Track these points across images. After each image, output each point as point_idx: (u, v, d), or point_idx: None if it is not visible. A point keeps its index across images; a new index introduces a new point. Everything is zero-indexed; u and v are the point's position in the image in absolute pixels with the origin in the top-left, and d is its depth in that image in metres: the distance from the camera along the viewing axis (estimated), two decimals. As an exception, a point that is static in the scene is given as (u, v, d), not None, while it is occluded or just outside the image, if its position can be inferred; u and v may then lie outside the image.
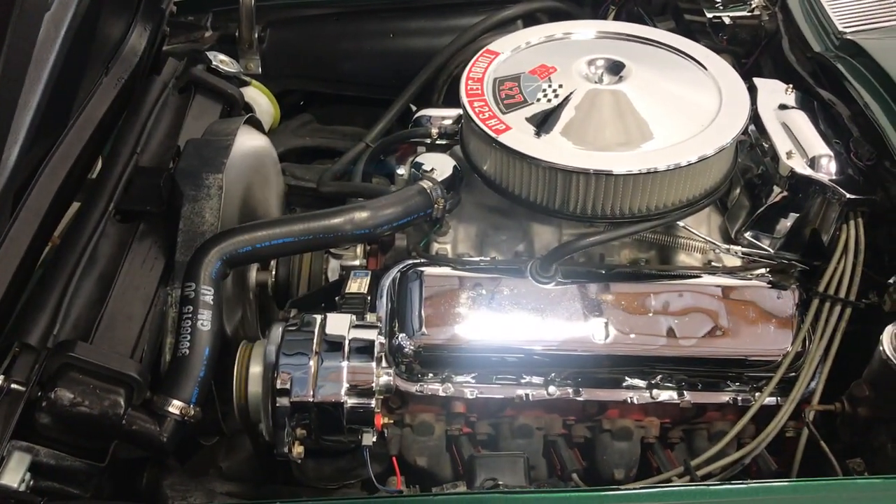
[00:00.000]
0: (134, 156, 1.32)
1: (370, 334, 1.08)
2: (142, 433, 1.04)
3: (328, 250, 1.35)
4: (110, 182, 1.26)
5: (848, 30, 1.41)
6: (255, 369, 1.08)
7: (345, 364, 1.05)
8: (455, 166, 1.31)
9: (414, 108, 1.73)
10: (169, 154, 1.36)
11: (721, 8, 1.68)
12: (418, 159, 1.34)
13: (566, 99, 1.22)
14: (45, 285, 1.08)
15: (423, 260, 1.25)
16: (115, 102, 1.37)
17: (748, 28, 1.66)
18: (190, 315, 1.08)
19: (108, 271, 1.17)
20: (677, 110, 1.22)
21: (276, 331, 1.10)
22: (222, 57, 1.61)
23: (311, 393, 1.04)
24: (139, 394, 1.05)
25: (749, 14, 1.67)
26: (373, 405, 1.05)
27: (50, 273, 1.10)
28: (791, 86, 1.38)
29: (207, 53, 1.60)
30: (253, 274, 1.37)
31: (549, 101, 1.23)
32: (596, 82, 1.26)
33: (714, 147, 1.16)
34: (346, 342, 1.07)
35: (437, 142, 1.46)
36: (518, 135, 1.18)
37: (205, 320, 1.08)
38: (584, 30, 1.38)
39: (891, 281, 1.16)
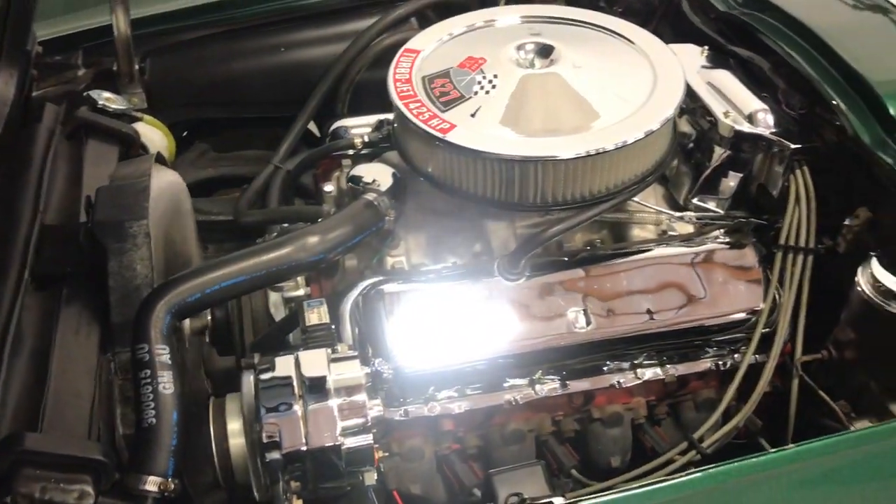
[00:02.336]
0: (37, 214, 1.18)
1: (353, 367, 1.00)
2: None
3: (267, 284, 1.25)
4: (16, 248, 1.12)
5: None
6: (234, 425, 0.98)
7: (333, 403, 0.96)
8: (394, 174, 1.24)
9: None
10: (76, 207, 1.22)
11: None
12: (354, 172, 1.26)
13: (502, 88, 1.18)
14: None
15: (381, 278, 1.18)
16: None
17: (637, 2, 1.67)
18: (149, 380, 0.96)
19: (40, 347, 1.03)
20: (614, 88, 1.20)
21: (248, 379, 1.00)
22: (107, 94, 1.47)
23: (304, 441, 0.95)
24: (107, 477, 0.93)
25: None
26: (371, 441, 0.97)
27: None
28: (706, 48, 1.39)
29: (90, 93, 1.46)
30: (187, 322, 1.25)
31: (488, 92, 1.18)
32: (528, 67, 1.22)
33: (658, 120, 1.14)
34: (330, 380, 0.98)
35: (362, 152, 1.39)
36: (465, 131, 1.12)
37: (166, 383, 0.97)
38: (506, 16, 1.33)
39: (846, 222, 1.18)
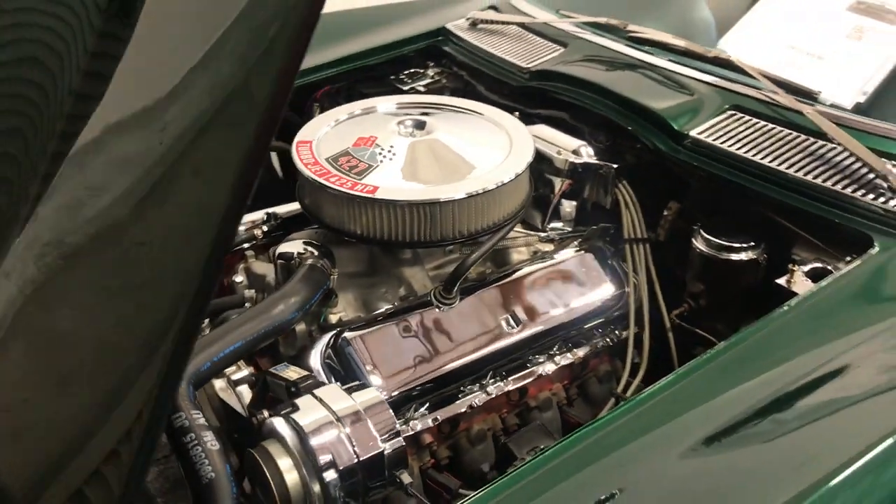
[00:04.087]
0: None
1: (368, 390, 1.16)
2: None
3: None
4: None
5: (531, 66, 1.83)
6: (285, 462, 1.08)
7: (368, 419, 1.11)
8: (316, 244, 1.42)
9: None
10: None
11: (410, 83, 2.02)
12: (281, 250, 1.42)
13: (399, 154, 1.43)
14: None
15: (337, 329, 1.34)
16: None
17: (438, 91, 2.02)
18: (195, 441, 1.05)
19: None
20: (481, 147, 1.50)
21: (279, 423, 1.11)
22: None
23: (355, 455, 1.08)
24: None
25: (433, 80, 2.04)
26: (403, 443, 1.13)
27: None
28: (516, 112, 1.75)
29: None
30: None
31: (391, 160, 1.42)
32: (411, 137, 1.48)
33: (523, 165, 1.45)
34: (356, 402, 1.13)
35: (262, 242, 1.56)
36: (387, 189, 1.35)
37: (210, 440, 1.06)
38: (383, 104, 1.60)
39: (664, 214, 1.57)
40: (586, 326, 1.50)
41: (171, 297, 0.73)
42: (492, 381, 1.38)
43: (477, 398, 1.36)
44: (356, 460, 1.08)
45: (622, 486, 0.92)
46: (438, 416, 1.33)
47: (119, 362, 0.78)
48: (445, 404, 1.35)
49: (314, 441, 1.08)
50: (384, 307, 1.42)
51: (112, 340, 0.79)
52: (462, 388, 1.36)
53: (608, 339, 1.52)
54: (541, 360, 1.44)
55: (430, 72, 2.06)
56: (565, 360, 1.46)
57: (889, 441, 0.95)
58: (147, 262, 0.75)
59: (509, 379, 1.40)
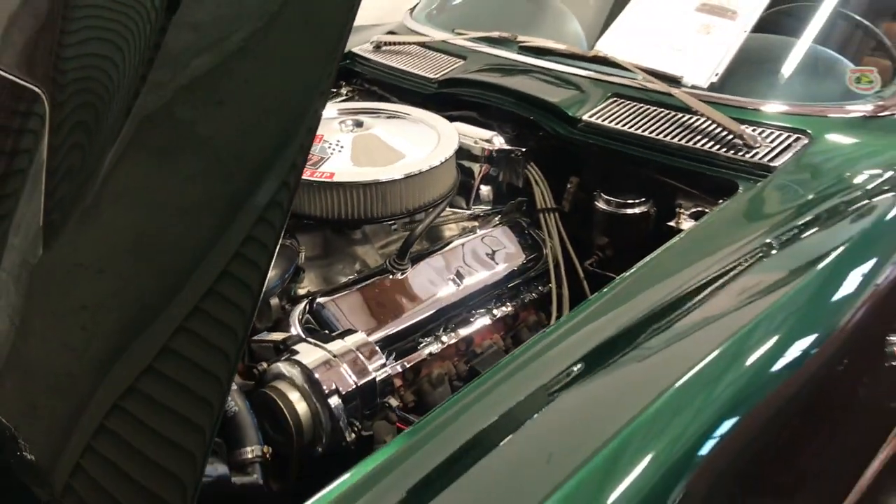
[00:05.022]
0: None
1: (352, 332, 1.37)
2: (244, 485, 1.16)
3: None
4: None
5: (437, 76, 2.10)
6: (294, 394, 1.28)
7: (359, 354, 1.33)
8: (281, 231, 1.62)
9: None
10: None
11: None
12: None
13: (345, 147, 1.66)
14: None
15: (310, 297, 1.54)
16: None
17: None
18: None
19: None
20: (414, 139, 1.75)
21: (284, 365, 1.30)
22: None
23: (353, 382, 1.29)
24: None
25: (347, 98, 2.27)
26: (389, 371, 1.35)
27: None
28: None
29: None
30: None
31: (339, 151, 1.65)
32: (352, 132, 1.72)
33: (450, 152, 1.71)
34: (347, 342, 1.34)
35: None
36: (342, 174, 1.58)
37: (230, 383, 1.24)
38: (325, 111, 1.82)
39: (567, 188, 1.86)
40: (512, 284, 1.76)
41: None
42: (444, 332, 1.62)
43: (434, 346, 1.59)
44: (354, 386, 1.29)
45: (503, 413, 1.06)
46: (405, 363, 1.55)
47: None
48: (407, 355, 1.57)
49: (318, 374, 1.28)
50: (344, 281, 1.63)
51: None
52: (420, 340, 1.59)
53: (533, 294, 1.78)
54: (481, 313, 1.69)
55: (344, 90, 2.29)
56: (500, 312, 1.71)
57: (726, 345, 1.16)
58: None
59: (458, 331, 1.64)
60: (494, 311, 1.70)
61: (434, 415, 1.08)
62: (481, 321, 1.68)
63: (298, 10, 0.97)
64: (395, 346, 1.55)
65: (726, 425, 1.09)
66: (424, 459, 0.99)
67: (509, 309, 1.73)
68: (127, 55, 1.04)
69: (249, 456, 1.20)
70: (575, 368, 1.12)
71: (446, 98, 2.05)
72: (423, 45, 2.32)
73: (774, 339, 1.22)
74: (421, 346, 1.59)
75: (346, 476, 0.98)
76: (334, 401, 1.27)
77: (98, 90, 1.04)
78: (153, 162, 1.03)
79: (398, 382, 1.56)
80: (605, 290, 1.32)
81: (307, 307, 1.51)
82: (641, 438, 1.02)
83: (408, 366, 1.55)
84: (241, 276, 0.92)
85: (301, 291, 1.60)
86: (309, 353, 1.31)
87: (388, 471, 0.98)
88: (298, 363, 1.29)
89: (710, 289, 1.29)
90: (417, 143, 1.73)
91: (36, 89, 1.05)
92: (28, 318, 1.11)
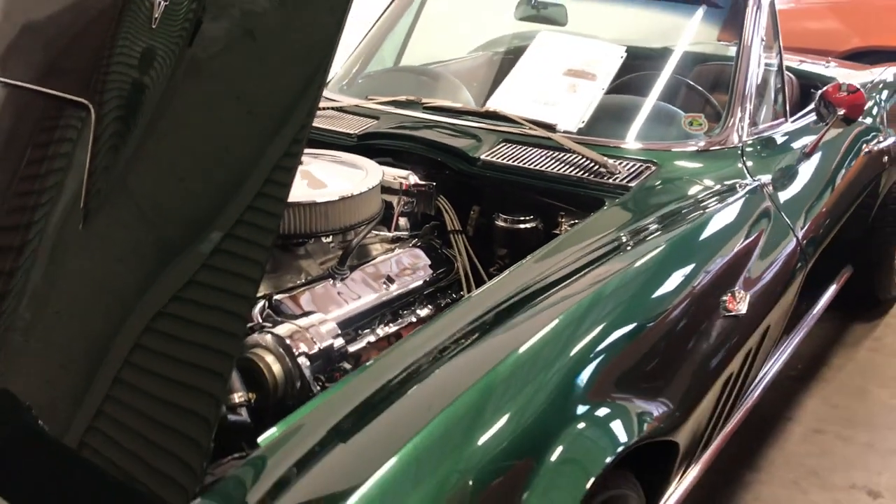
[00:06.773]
0: None
1: (313, 314, 1.71)
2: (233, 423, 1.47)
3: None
4: None
5: (355, 132, 2.50)
6: (270, 357, 1.59)
7: (321, 327, 1.66)
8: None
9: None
10: None
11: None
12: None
13: (292, 180, 2.02)
14: None
15: (267, 296, 1.86)
16: None
17: None
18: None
19: None
20: (345, 174, 2.13)
21: (261, 336, 1.62)
22: None
23: (318, 347, 1.62)
24: None
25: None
26: (343, 342, 1.69)
27: None
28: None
29: None
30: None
31: (287, 181, 2.00)
32: (295, 168, 2.08)
33: (376, 181, 2.10)
34: (312, 318, 1.68)
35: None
36: (294, 196, 1.93)
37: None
38: None
39: (471, 215, 2.27)
40: (429, 291, 2.13)
41: None
42: (378, 326, 1.97)
43: (371, 337, 1.93)
44: (318, 349, 1.62)
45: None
46: (349, 349, 1.88)
47: None
48: (350, 343, 1.90)
49: (289, 341, 1.60)
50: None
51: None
52: (360, 332, 1.93)
53: (447, 300, 2.16)
54: (407, 313, 2.05)
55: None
56: (423, 312, 2.08)
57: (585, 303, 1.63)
58: None
59: (390, 325, 1.99)
60: (418, 311, 2.07)
61: (356, 372, 1.46)
62: (408, 318, 2.04)
63: None
64: (342, 334, 1.88)
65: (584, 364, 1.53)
66: (350, 397, 1.36)
67: (430, 310, 2.10)
68: (155, 79, 1.38)
69: (237, 399, 1.50)
70: (460, 337, 1.51)
71: (365, 149, 2.45)
72: (339, 109, 2.72)
73: (625, 298, 1.70)
74: (360, 337, 1.93)
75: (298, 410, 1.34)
76: (303, 360, 1.60)
77: (131, 105, 1.37)
78: (197, 112, 1.36)
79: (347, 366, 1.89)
80: (494, 279, 1.74)
81: (266, 304, 1.83)
82: (502, 383, 1.41)
83: (351, 350, 1.89)
84: (265, 208, 1.26)
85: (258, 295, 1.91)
86: (282, 328, 1.64)
87: (326, 410, 1.33)
88: (272, 333, 1.62)
89: (578, 275, 1.75)
90: (350, 175, 2.11)
91: (85, 101, 1.37)
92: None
